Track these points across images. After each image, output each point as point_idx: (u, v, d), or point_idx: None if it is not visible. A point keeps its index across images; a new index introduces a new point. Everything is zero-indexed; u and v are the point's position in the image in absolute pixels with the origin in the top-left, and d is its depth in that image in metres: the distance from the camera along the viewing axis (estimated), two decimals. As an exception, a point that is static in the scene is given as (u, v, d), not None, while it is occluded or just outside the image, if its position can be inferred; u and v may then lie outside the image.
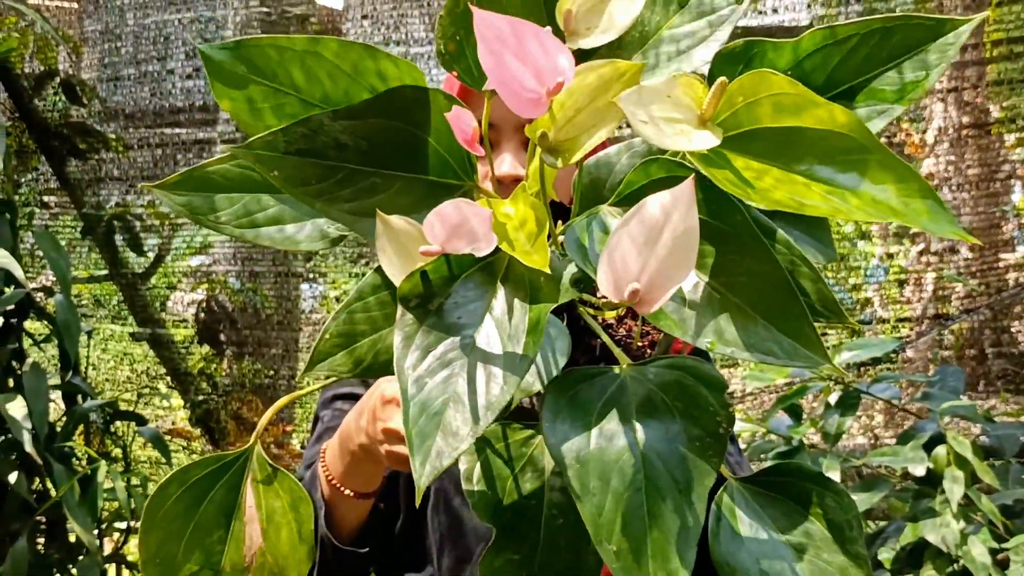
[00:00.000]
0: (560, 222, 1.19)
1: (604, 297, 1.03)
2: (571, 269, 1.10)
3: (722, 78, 1.03)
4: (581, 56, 1.21)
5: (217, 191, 1.31)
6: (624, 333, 1.43)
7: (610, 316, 1.26)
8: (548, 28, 1.11)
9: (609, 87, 1.06)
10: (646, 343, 1.40)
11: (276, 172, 1.09)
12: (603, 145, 1.22)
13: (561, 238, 1.12)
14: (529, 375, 1.13)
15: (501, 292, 1.08)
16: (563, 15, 1.14)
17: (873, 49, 1.13)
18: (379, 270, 1.16)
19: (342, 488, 1.68)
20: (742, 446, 4.17)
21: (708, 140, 1.02)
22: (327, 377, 1.23)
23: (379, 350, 1.19)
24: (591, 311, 1.18)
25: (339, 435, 1.69)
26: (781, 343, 1.03)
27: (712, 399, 1.05)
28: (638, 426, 1.04)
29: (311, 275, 5.50)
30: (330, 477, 1.69)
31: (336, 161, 1.11)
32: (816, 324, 1.05)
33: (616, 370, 1.09)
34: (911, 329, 4.86)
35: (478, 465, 1.19)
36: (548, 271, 1.01)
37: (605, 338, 1.16)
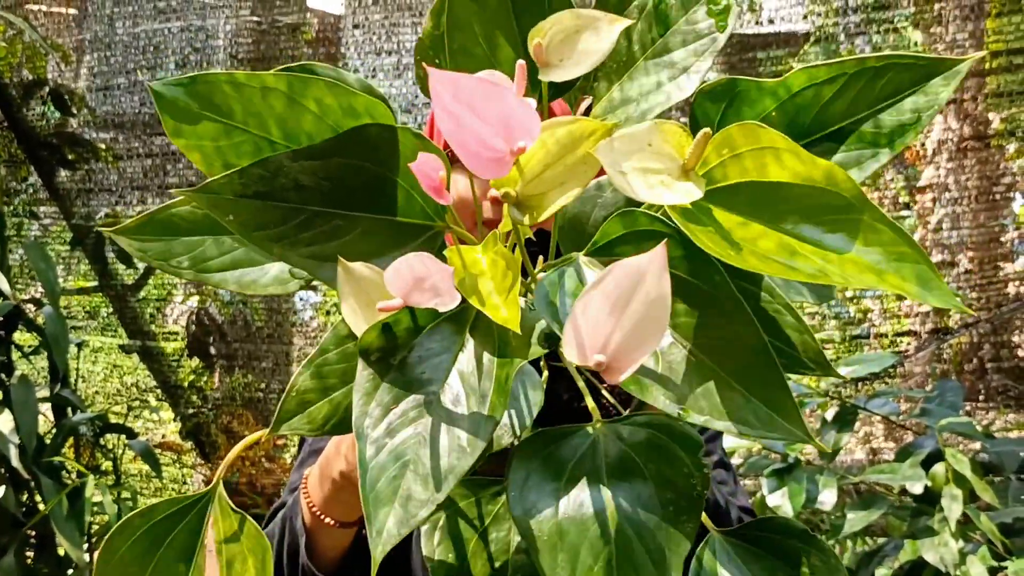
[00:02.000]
0: (541, 257, 1.15)
1: None
2: (542, 323, 1.05)
3: (706, 129, 0.98)
4: (555, 89, 1.17)
5: (178, 234, 1.27)
6: None
7: None
8: (520, 64, 1.07)
9: (578, 144, 1.01)
10: None
11: (232, 216, 1.04)
12: None
13: (541, 277, 1.07)
14: (501, 428, 1.09)
15: (469, 344, 1.03)
16: (534, 48, 1.09)
17: (863, 90, 1.07)
18: (344, 322, 1.11)
19: (323, 517, 1.64)
20: (738, 461, 4.13)
21: (690, 192, 0.97)
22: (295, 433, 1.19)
23: (346, 406, 1.14)
24: None
25: (320, 461, 1.65)
26: (758, 412, 0.98)
27: (687, 459, 1.00)
28: (609, 492, 0.99)
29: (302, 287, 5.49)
30: (311, 505, 1.65)
31: (296, 203, 1.06)
32: (825, 375, 1.01)
33: (589, 429, 1.05)
34: (909, 344, 4.84)
35: (438, 528, 1.15)
36: (518, 330, 0.96)
37: (582, 385, 1.12)
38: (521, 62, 1.08)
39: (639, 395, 1.00)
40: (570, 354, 0.95)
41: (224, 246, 1.26)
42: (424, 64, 1.02)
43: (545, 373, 1.19)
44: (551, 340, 1.04)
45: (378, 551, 0.93)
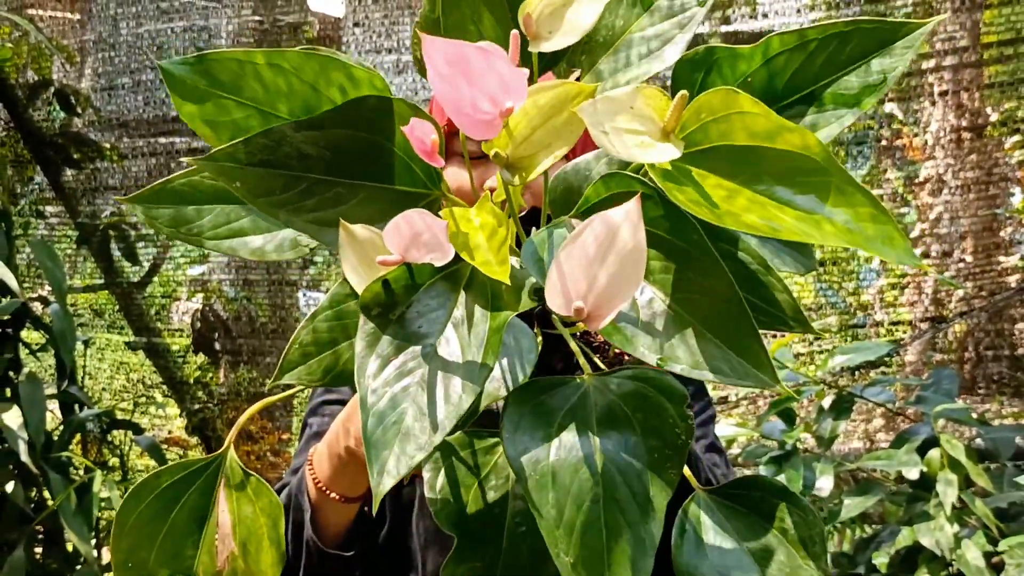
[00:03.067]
0: (535, 229, 1.19)
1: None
2: (531, 279, 1.10)
3: (683, 92, 1.03)
4: (546, 59, 1.21)
5: (189, 203, 1.31)
6: (602, 340, 1.43)
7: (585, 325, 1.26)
8: (514, 34, 1.12)
9: (564, 106, 1.06)
10: (623, 350, 1.39)
11: (239, 183, 1.09)
12: (586, 148, 1.22)
13: (527, 248, 1.12)
14: (496, 381, 1.13)
15: (463, 300, 1.08)
16: (523, 19, 1.14)
17: (832, 53, 1.13)
18: (347, 281, 1.16)
19: (329, 492, 1.67)
20: (736, 451, 4.17)
21: (669, 152, 1.02)
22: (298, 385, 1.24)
23: (347, 359, 1.19)
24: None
25: (326, 439, 1.68)
26: (731, 361, 1.03)
27: (672, 411, 1.05)
28: (597, 438, 1.04)
29: (306, 283, 5.50)
30: (317, 481, 1.68)
31: (299, 172, 1.11)
32: (795, 333, 1.06)
33: (579, 380, 1.09)
34: (905, 333, 4.86)
35: (442, 473, 1.19)
36: (507, 282, 1.01)
37: (573, 345, 1.16)
38: (515, 32, 1.13)
39: (621, 345, 1.05)
40: (553, 302, 1.00)
41: (232, 215, 1.30)
42: (418, 31, 1.07)
43: (539, 343, 1.24)
44: (539, 294, 1.09)
45: (379, 488, 0.98)
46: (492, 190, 1.66)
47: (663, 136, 1.03)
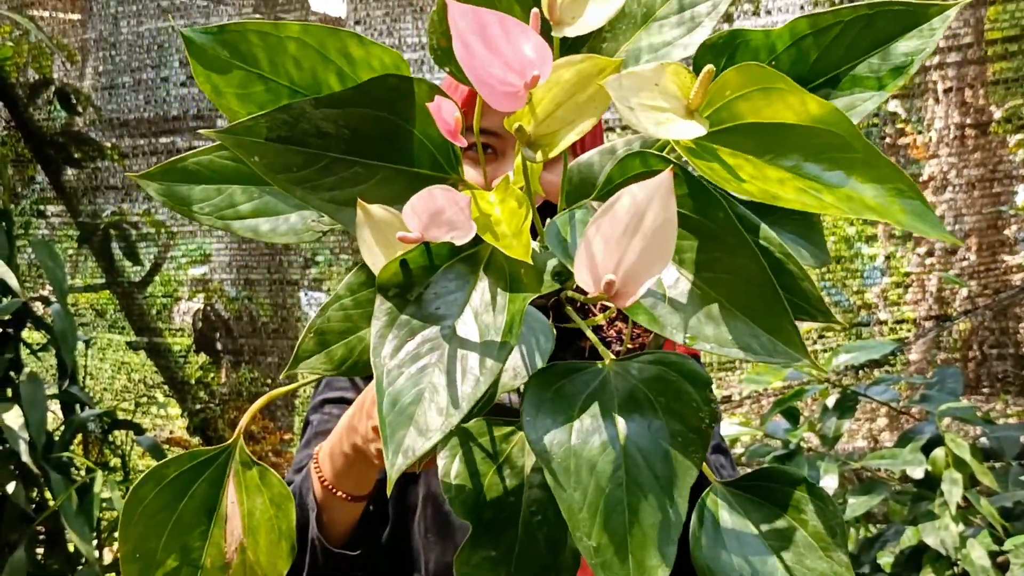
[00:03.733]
0: (550, 219, 1.19)
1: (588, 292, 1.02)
2: (553, 261, 1.09)
3: (709, 66, 1.02)
4: (568, 45, 1.21)
5: (200, 182, 1.30)
6: (615, 335, 1.42)
7: (600, 319, 1.25)
8: (534, 12, 1.11)
9: (589, 82, 1.05)
10: (636, 345, 1.38)
11: (256, 158, 1.08)
12: (595, 144, 1.21)
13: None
14: (512, 371, 1.12)
15: (482, 282, 1.07)
16: (548, 5, 1.13)
17: (856, 37, 1.12)
18: (363, 268, 1.15)
19: (335, 490, 1.66)
20: (740, 450, 4.16)
21: (694, 130, 1.01)
22: (312, 375, 1.23)
23: (362, 348, 1.18)
24: (579, 312, 1.17)
25: (332, 437, 1.68)
26: (760, 338, 1.02)
27: (695, 395, 1.04)
28: (620, 421, 1.03)
29: (307, 282, 5.49)
30: (323, 479, 1.68)
31: (318, 149, 1.10)
32: (810, 324, 1.05)
33: (600, 365, 1.08)
34: (908, 331, 4.85)
35: (457, 460, 1.18)
36: (529, 262, 1.00)
37: (590, 334, 1.15)
38: (535, 11, 1.12)
39: (647, 324, 1.04)
40: (582, 279, 0.99)
41: (245, 195, 1.29)
42: (439, 32, 1.07)
43: (554, 335, 1.23)
44: (562, 276, 1.08)
45: (394, 470, 0.97)
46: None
47: (688, 113, 1.02)
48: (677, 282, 1.05)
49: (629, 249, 0.97)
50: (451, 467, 1.18)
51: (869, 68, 1.12)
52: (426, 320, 1.04)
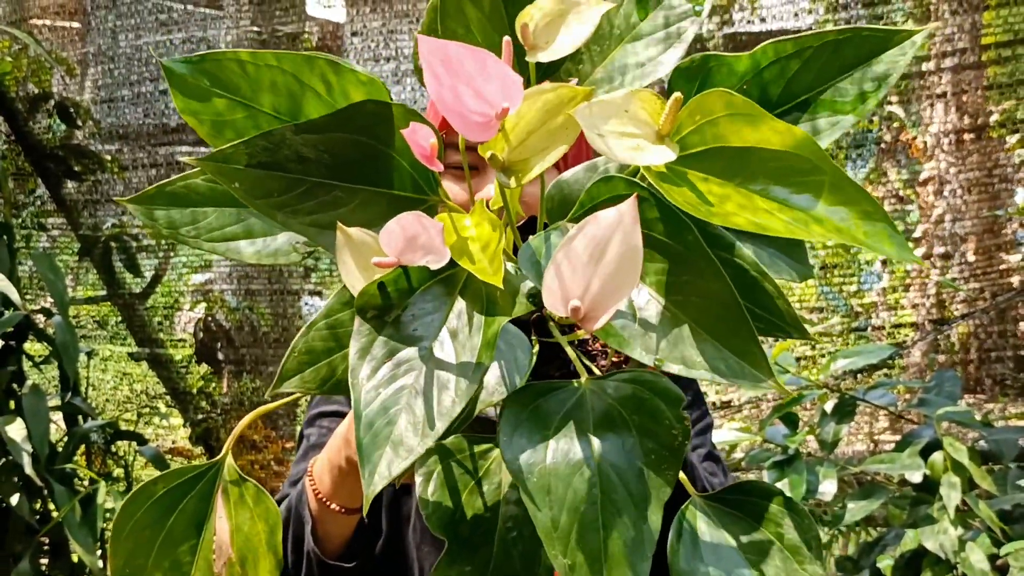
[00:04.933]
0: (525, 241, 1.20)
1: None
2: (528, 283, 1.10)
3: (677, 94, 1.04)
4: (544, 68, 1.22)
5: (188, 205, 1.31)
6: (599, 348, 1.43)
7: (583, 333, 1.26)
8: (506, 40, 1.12)
9: (559, 110, 1.07)
10: (621, 359, 1.39)
11: (237, 184, 1.10)
12: (577, 162, 1.23)
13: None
14: (491, 388, 1.14)
15: (459, 304, 1.09)
16: (521, 30, 1.15)
17: (827, 62, 1.14)
18: (345, 289, 1.17)
19: (329, 503, 1.67)
20: (739, 455, 4.17)
21: (664, 155, 1.03)
22: (295, 393, 1.24)
23: (344, 367, 1.19)
24: (563, 326, 1.18)
25: (327, 450, 1.69)
26: (727, 360, 1.04)
27: (669, 413, 1.06)
28: (595, 440, 1.05)
29: (308, 292, 5.51)
30: (317, 492, 1.69)
31: (299, 174, 1.12)
32: (800, 337, 1.07)
33: (576, 384, 1.10)
34: (908, 335, 4.86)
35: (435, 476, 1.19)
36: (500, 286, 1.02)
37: (570, 351, 1.16)
38: (507, 38, 1.14)
39: (617, 346, 1.05)
40: (550, 302, 1.01)
41: (231, 218, 1.31)
42: (416, 34, 1.08)
43: (535, 350, 1.24)
44: (536, 299, 1.09)
45: (369, 491, 0.99)
46: (488, 201, 1.67)
47: (658, 139, 1.04)
48: (648, 304, 1.07)
49: (595, 275, 0.99)
50: (428, 483, 1.19)
51: (838, 93, 1.14)
52: (404, 342, 1.06)
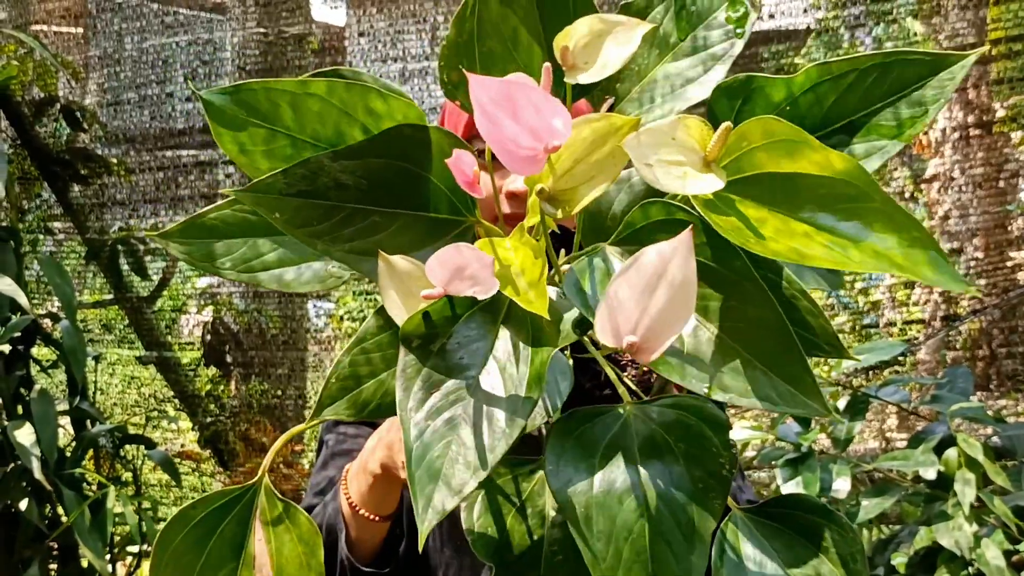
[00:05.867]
0: (564, 251, 1.19)
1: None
2: (573, 311, 1.09)
3: (727, 123, 1.03)
4: (579, 90, 1.21)
5: (218, 237, 1.31)
6: (629, 359, 1.43)
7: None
8: (546, 67, 1.11)
9: (606, 140, 1.06)
10: (652, 371, 1.39)
11: (277, 214, 1.09)
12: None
13: (565, 268, 1.12)
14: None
15: (504, 333, 1.08)
16: (560, 51, 1.14)
17: (871, 86, 1.13)
18: (380, 312, 1.16)
19: (361, 511, 1.69)
20: (751, 454, 4.16)
21: (713, 184, 1.02)
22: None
23: (383, 392, 1.18)
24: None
25: (360, 458, 1.70)
26: (779, 389, 1.03)
27: (715, 439, 1.05)
28: (641, 469, 1.04)
29: (316, 295, 5.49)
30: (350, 499, 1.70)
31: (337, 201, 1.11)
32: (839, 357, 1.06)
33: (620, 409, 1.09)
34: (919, 332, 4.85)
35: (479, 501, 1.19)
36: (547, 316, 1.01)
37: (608, 370, 1.16)
38: (547, 65, 1.13)
39: (668, 375, 1.04)
40: (603, 337, 0.99)
41: (264, 247, 1.30)
42: (463, 70, 1.08)
43: (569, 363, 1.24)
44: (583, 326, 1.09)
45: (424, 526, 0.99)
46: (515, 193, 1.66)
47: (705, 166, 1.03)
48: (696, 331, 1.06)
49: (650, 307, 0.98)
50: (472, 510, 1.19)
51: (885, 116, 1.13)
52: (450, 372, 1.06)
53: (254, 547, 1.28)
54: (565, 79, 1.15)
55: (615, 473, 1.04)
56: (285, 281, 1.30)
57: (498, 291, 1.05)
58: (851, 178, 1.00)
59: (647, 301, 0.98)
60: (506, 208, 1.67)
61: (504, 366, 1.05)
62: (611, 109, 1.25)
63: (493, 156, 1.42)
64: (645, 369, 1.38)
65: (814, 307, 1.13)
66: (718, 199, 1.04)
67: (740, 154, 1.04)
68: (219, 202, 1.31)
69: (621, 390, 1.13)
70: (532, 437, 1.22)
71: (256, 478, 1.30)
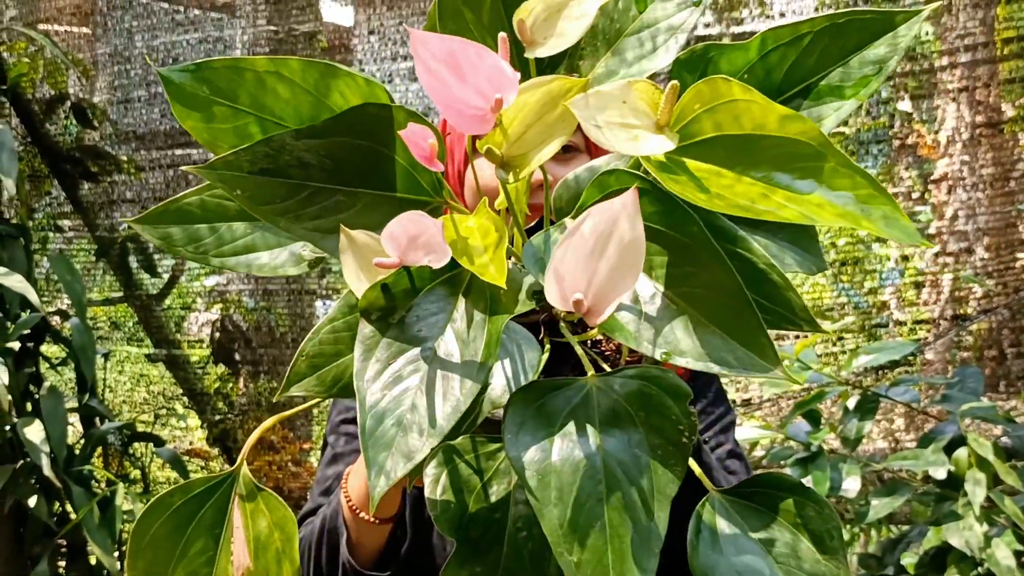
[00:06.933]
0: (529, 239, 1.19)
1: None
2: (529, 280, 1.09)
3: (674, 82, 1.04)
4: (544, 64, 1.21)
5: (194, 222, 1.32)
6: (614, 348, 1.42)
7: (595, 333, 1.25)
8: (502, 36, 1.11)
9: (556, 102, 1.06)
10: (635, 359, 1.38)
11: (239, 192, 1.10)
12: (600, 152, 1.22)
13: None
14: (499, 388, 1.13)
15: (462, 304, 1.09)
16: (518, 26, 1.14)
17: (826, 46, 1.14)
18: (351, 293, 1.16)
19: (361, 513, 1.69)
20: (760, 453, 4.14)
21: (662, 144, 1.02)
22: (305, 398, 1.24)
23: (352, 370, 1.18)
24: (575, 326, 1.18)
25: (360, 459, 1.69)
26: (735, 352, 1.03)
27: (675, 408, 1.05)
28: (601, 436, 1.04)
29: (325, 292, 5.49)
30: (350, 501, 1.70)
31: (300, 180, 1.12)
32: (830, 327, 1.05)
33: (582, 381, 1.09)
34: (928, 331, 4.82)
35: (444, 476, 1.19)
36: (503, 285, 1.01)
37: (579, 349, 1.16)
38: (503, 34, 1.14)
39: (622, 340, 1.04)
40: (552, 297, 1.00)
41: (238, 232, 1.31)
42: (405, 26, 1.07)
43: (547, 349, 1.23)
44: (538, 296, 1.08)
45: (376, 492, 0.99)
46: (540, 184, 1.66)
47: (657, 129, 1.03)
48: (653, 297, 1.06)
49: (598, 268, 0.98)
50: (437, 485, 1.19)
51: (840, 77, 1.14)
52: (408, 342, 1.07)
53: (232, 535, 1.28)
54: (526, 54, 1.15)
55: (574, 440, 1.04)
56: (257, 266, 1.31)
57: (459, 265, 1.05)
58: (805, 137, 1.01)
59: (595, 261, 0.98)
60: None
61: (460, 335, 1.06)
62: None
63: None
64: (629, 359, 1.37)
65: (784, 281, 1.13)
66: (671, 162, 1.04)
67: (693, 116, 1.04)
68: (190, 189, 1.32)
69: (586, 363, 1.13)
70: (497, 421, 1.22)
71: (235, 466, 1.30)
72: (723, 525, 1.14)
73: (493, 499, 1.18)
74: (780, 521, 1.14)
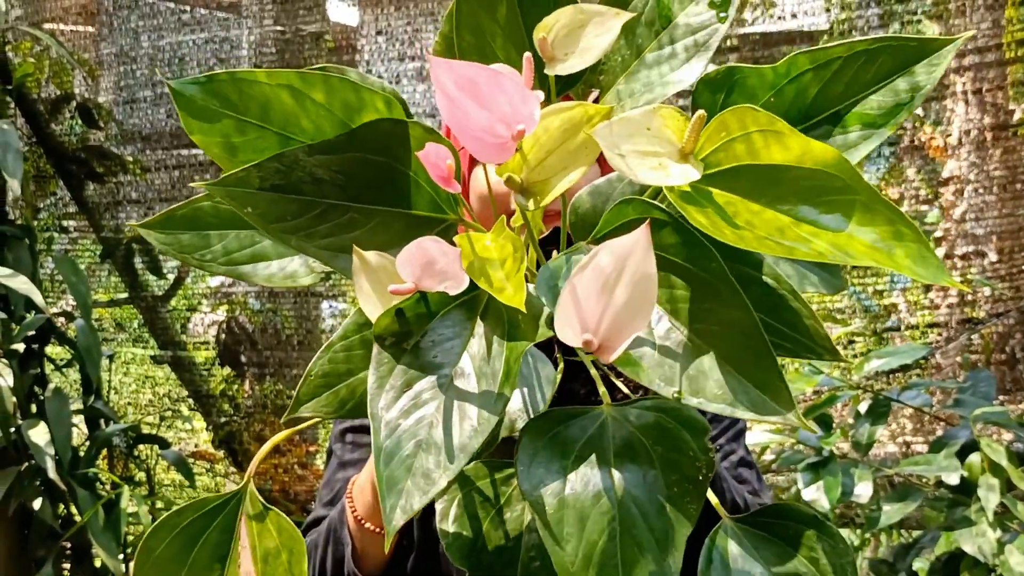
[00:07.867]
0: (555, 252, 1.16)
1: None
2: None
3: (701, 112, 1.01)
4: (563, 80, 1.18)
5: (202, 228, 1.29)
6: None
7: None
8: (527, 56, 1.08)
9: (579, 129, 1.04)
10: None
11: (250, 208, 1.08)
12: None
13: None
14: (515, 411, 1.12)
15: (480, 329, 1.06)
16: (539, 42, 1.11)
17: (857, 72, 1.10)
18: (361, 310, 1.14)
19: (366, 524, 1.67)
20: (771, 457, 4.12)
21: (688, 174, 1.00)
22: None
23: (364, 390, 1.16)
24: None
25: (365, 469, 1.70)
26: (749, 394, 1.01)
27: (693, 443, 1.03)
28: (616, 472, 1.02)
29: (331, 294, 5.47)
30: (355, 513, 1.69)
31: (313, 196, 1.09)
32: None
33: (598, 410, 1.06)
34: (939, 335, 4.80)
35: (455, 504, 1.17)
36: (523, 309, 0.99)
37: (593, 371, 1.14)
38: (528, 54, 1.11)
39: (635, 377, 1.02)
40: (562, 333, 0.97)
41: (246, 240, 1.29)
42: (427, 54, 1.05)
43: (561, 366, 1.21)
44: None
45: (391, 527, 0.97)
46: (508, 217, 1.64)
47: (681, 157, 1.00)
48: (668, 333, 1.04)
49: (608, 306, 0.96)
50: (449, 512, 1.18)
51: (870, 105, 1.10)
52: (423, 369, 1.04)
53: (239, 555, 1.26)
54: (546, 71, 1.13)
55: (588, 475, 1.02)
56: (263, 276, 1.29)
57: (477, 287, 1.03)
58: (834, 170, 0.97)
59: (606, 299, 0.96)
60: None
61: (478, 362, 1.04)
62: (596, 102, 1.22)
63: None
64: None
65: (806, 309, 1.11)
66: (696, 191, 1.01)
67: (718, 145, 1.01)
68: (197, 193, 1.28)
69: (602, 390, 1.10)
70: (514, 441, 1.20)
71: (242, 484, 1.28)
72: (736, 555, 1.12)
73: (506, 527, 1.17)
74: (794, 553, 1.12)
